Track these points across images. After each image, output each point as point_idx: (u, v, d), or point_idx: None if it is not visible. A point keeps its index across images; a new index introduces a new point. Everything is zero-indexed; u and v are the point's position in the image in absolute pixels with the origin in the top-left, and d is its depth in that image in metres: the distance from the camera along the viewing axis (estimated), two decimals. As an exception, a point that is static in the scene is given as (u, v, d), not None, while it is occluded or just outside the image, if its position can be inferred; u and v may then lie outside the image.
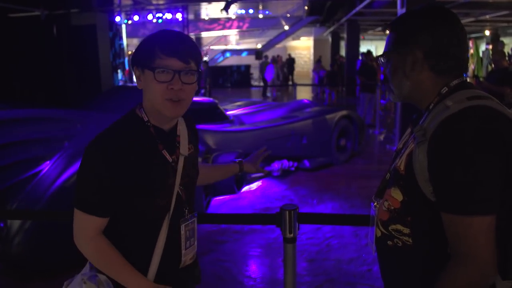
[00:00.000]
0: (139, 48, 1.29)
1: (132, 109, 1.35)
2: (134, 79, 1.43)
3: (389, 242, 1.25)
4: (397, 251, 1.23)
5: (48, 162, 3.38)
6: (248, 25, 26.30)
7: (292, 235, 1.73)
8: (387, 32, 1.31)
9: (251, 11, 25.98)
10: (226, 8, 10.56)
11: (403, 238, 1.21)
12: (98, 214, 1.27)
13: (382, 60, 1.30)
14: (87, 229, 1.28)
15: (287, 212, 1.71)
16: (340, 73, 16.72)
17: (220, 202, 5.03)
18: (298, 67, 26.43)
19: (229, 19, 25.55)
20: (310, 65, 27.08)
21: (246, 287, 3.26)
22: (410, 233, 1.19)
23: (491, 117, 1.06)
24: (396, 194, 1.21)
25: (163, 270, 1.33)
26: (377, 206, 1.32)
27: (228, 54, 28.21)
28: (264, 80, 17.45)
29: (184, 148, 1.37)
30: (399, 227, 1.21)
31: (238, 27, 26.47)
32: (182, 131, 1.40)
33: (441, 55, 1.18)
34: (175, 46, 1.25)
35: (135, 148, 1.27)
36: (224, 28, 26.33)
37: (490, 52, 14.43)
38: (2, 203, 3.19)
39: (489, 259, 1.04)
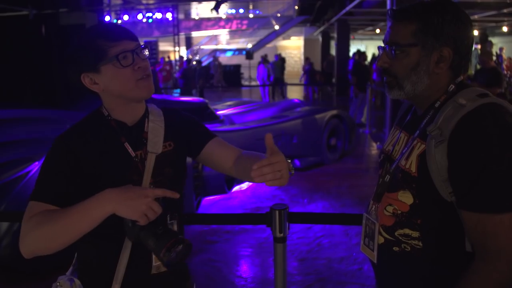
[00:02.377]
0: (82, 53, 1.20)
1: (97, 108, 1.33)
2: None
3: (395, 248, 1.22)
4: (405, 256, 1.20)
5: (36, 163, 3.35)
6: (239, 25, 26.29)
7: (282, 234, 1.74)
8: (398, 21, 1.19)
9: (241, 10, 25.99)
10: (216, 8, 10.55)
11: (412, 242, 1.18)
12: (49, 201, 1.15)
13: (394, 52, 1.18)
14: (32, 213, 1.13)
15: (277, 211, 1.71)
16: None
17: (210, 202, 5.02)
18: (288, 67, 26.45)
19: (219, 18, 25.52)
20: (300, 65, 27.11)
21: (237, 287, 3.26)
22: (420, 236, 1.16)
23: (505, 113, 1.06)
24: (405, 198, 1.17)
25: (131, 277, 1.23)
26: (374, 211, 1.27)
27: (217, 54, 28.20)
28: (275, 79, 16.59)
29: (154, 145, 1.30)
30: (407, 231, 1.18)
31: (229, 27, 26.45)
32: (154, 127, 1.32)
33: (464, 54, 1.16)
34: (116, 31, 1.22)
35: (97, 141, 1.25)
36: (215, 27, 26.29)
37: (479, 52, 14.58)
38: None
39: None
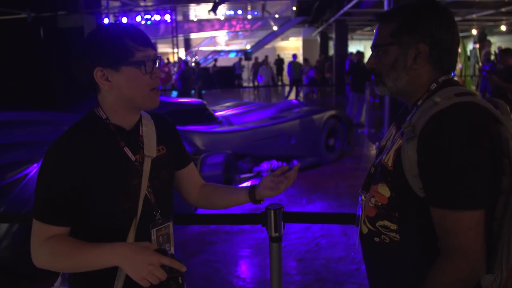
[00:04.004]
0: (106, 47, 1.18)
1: (90, 110, 1.30)
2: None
3: (376, 239, 1.25)
4: (385, 247, 1.23)
5: (35, 165, 3.37)
6: (239, 26, 26.33)
7: (277, 234, 1.76)
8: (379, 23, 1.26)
9: (240, 12, 26.02)
10: (214, 9, 10.57)
11: (390, 234, 1.21)
12: (57, 223, 1.18)
13: (376, 53, 1.25)
14: (43, 237, 1.18)
15: (272, 211, 1.73)
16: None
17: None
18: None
19: (218, 20, 25.55)
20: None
21: (236, 287, 3.28)
22: (398, 229, 1.19)
23: (479, 113, 1.08)
24: (384, 190, 1.21)
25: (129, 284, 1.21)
26: (364, 200, 1.31)
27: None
28: (295, 79, 16.00)
29: (149, 149, 1.31)
30: (386, 223, 1.21)
31: (228, 28, 26.47)
32: (147, 132, 1.34)
33: (444, 51, 1.18)
34: (144, 36, 1.22)
35: (95, 146, 1.22)
36: (213, 29, 26.32)
37: (477, 51, 14.60)
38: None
39: (479, 253, 1.06)
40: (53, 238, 1.17)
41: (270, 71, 15.11)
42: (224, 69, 21.76)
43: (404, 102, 1.31)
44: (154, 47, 1.23)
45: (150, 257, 1.09)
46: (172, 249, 1.38)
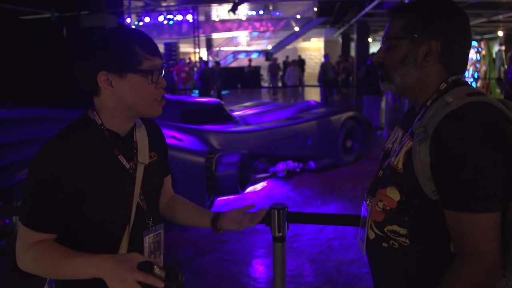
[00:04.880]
0: (113, 52, 1.15)
1: (84, 112, 1.25)
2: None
3: (384, 244, 1.22)
4: (393, 253, 1.20)
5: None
6: (261, 27, 26.38)
7: (281, 234, 1.75)
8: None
9: (261, 12, 26.06)
10: (233, 9, 10.62)
11: (399, 239, 1.17)
12: (44, 230, 1.15)
13: (386, 46, 1.21)
14: (28, 242, 1.16)
15: (276, 211, 1.72)
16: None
17: (224, 202, 5.06)
18: (309, 68, 26.41)
19: (239, 20, 25.65)
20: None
21: (246, 286, 3.28)
22: (407, 234, 1.16)
23: (492, 113, 1.05)
24: (393, 194, 1.17)
25: None
26: (370, 205, 1.28)
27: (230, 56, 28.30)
28: (326, 82, 15.30)
29: (143, 155, 1.28)
30: (395, 228, 1.18)
31: (249, 28, 26.54)
32: (141, 138, 1.31)
33: (456, 51, 1.16)
34: (153, 44, 1.19)
35: (87, 152, 1.17)
36: (234, 29, 26.43)
37: (503, 53, 14.27)
38: (7, 200, 3.26)
39: (496, 257, 1.02)
40: (38, 244, 1.15)
41: (298, 72, 14.93)
42: (245, 69, 21.83)
43: (411, 101, 1.28)
44: (161, 56, 1.21)
45: (123, 273, 1.04)
46: (161, 257, 1.35)
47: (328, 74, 15.29)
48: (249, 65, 21.42)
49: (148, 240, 1.28)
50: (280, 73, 19.61)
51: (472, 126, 1.02)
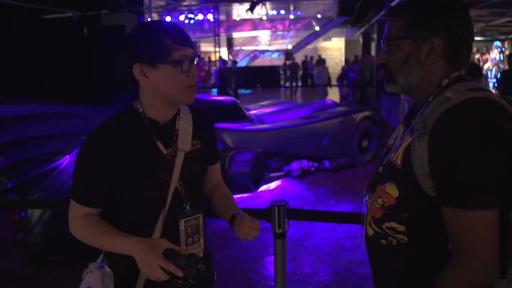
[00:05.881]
0: (145, 44, 1.23)
1: (130, 102, 1.36)
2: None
3: (383, 241, 1.21)
4: (392, 249, 1.19)
5: (67, 156, 3.53)
6: (280, 26, 26.33)
7: (281, 230, 1.76)
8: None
9: (282, 11, 26.02)
10: (251, 9, 10.65)
11: (398, 236, 1.17)
12: (89, 205, 1.30)
13: (387, 47, 1.20)
14: (77, 214, 1.32)
15: (276, 207, 1.73)
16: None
17: (237, 200, 5.07)
18: (329, 68, 26.23)
19: (260, 19, 25.65)
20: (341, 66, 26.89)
21: (254, 283, 3.30)
22: (406, 231, 1.15)
23: (493, 109, 1.03)
24: (392, 190, 1.16)
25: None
26: (369, 201, 1.27)
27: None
28: (363, 83, 14.33)
29: (184, 143, 1.35)
30: (393, 224, 1.17)
31: (271, 28, 26.54)
32: (184, 126, 1.38)
33: (459, 46, 1.14)
34: (183, 35, 1.25)
35: (127, 138, 1.28)
36: (254, 29, 26.45)
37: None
38: (24, 193, 3.36)
39: (493, 254, 1.00)
40: (85, 217, 1.30)
41: (327, 71, 14.81)
42: (265, 68, 21.86)
43: (415, 99, 1.27)
44: (193, 46, 1.27)
45: (149, 258, 1.17)
46: (201, 240, 1.42)
47: (365, 74, 14.12)
48: (285, 63, 20.74)
49: (184, 223, 1.36)
50: (300, 72, 19.54)
51: (472, 122, 1.00)
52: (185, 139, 1.36)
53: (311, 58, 20.58)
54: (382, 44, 1.23)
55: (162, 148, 1.31)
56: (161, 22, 1.29)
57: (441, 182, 1.04)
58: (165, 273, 1.15)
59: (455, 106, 1.04)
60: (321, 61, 16.52)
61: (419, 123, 1.08)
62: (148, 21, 1.33)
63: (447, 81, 1.15)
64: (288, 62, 19.97)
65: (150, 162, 1.30)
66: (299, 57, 22.04)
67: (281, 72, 21.47)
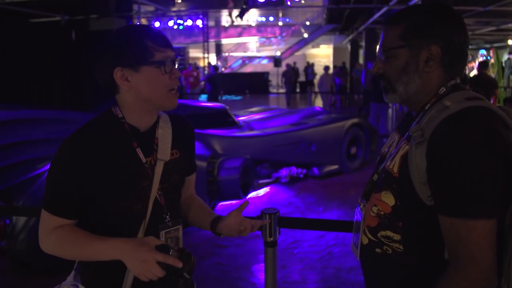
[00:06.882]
0: (127, 48, 1.19)
1: (108, 108, 1.30)
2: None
3: (378, 250, 1.20)
4: (387, 259, 1.18)
5: (53, 162, 3.47)
6: (269, 33, 26.45)
7: (272, 238, 1.75)
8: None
9: (271, 18, 26.15)
10: (240, 15, 10.69)
11: (393, 245, 1.16)
12: (64, 215, 1.22)
13: (384, 56, 1.19)
14: (50, 226, 1.22)
15: (267, 215, 1.72)
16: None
17: (226, 207, 5.06)
18: (318, 75, 26.41)
19: (249, 26, 25.74)
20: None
21: (243, 291, 3.28)
22: (401, 240, 1.14)
23: (491, 118, 1.03)
24: (387, 198, 1.16)
25: (138, 279, 1.19)
26: (364, 209, 1.26)
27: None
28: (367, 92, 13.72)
29: (163, 152, 1.31)
30: (389, 233, 1.16)
31: (259, 34, 26.63)
32: (163, 134, 1.33)
33: (456, 53, 1.14)
34: (163, 37, 1.24)
35: (106, 144, 1.22)
36: (244, 35, 26.53)
37: (512, 62, 14.17)
38: (9, 200, 3.29)
39: (491, 263, 1.00)
40: (60, 228, 1.21)
41: (330, 78, 14.77)
42: (254, 74, 21.88)
43: (411, 108, 1.26)
44: (173, 48, 1.25)
45: (144, 254, 1.11)
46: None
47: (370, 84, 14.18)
48: (289, 66, 20.04)
49: (164, 235, 1.31)
50: (299, 78, 19.45)
51: (470, 131, 1.00)
52: (164, 149, 1.32)
53: (313, 64, 20.43)
54: (378, 54, 1.22)
55: (141, 156, 1.26)
56: (141, 25, 1.27)
57: (439, 190, 1.03)
58: (162, 269, 1.11)
59: (454, 115, 1.04)
60: (324, 68, 16.26)
61: (417, 131, 1.07)
62: (126, 25, 1.30)
63: (444, 89, 1.15)
64: (284, 69, 19.59)
65: (131, 170, 1.24)
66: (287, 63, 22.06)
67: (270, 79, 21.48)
